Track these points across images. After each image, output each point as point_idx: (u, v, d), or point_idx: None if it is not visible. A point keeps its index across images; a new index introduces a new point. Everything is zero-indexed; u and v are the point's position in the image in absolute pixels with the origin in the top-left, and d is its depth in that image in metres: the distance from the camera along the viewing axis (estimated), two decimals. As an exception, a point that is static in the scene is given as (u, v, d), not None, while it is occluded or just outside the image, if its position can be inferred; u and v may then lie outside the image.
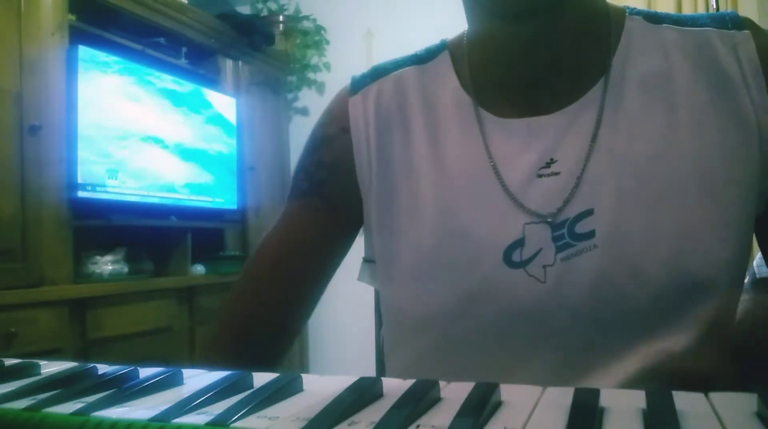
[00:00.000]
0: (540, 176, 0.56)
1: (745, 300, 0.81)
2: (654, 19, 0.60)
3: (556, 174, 0.56)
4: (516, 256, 0.56)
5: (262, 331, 0.67)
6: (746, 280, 0.83)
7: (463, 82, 0.63)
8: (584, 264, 0.54)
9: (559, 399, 0.28)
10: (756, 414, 0.26)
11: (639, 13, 0.60)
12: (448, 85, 0.63)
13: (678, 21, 0.59)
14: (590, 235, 0.54)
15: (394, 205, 0.62)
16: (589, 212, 0.54)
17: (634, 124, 0.56)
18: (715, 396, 0.28)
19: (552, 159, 0.56)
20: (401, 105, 0.64)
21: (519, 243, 0.56)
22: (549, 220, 0.55)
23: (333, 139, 0.67)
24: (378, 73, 0.68)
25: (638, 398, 0.28)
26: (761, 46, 0.55)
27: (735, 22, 0.57)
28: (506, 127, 0.59)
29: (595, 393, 0.28)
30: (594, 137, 0.56)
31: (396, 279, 0.62)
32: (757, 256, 0.79)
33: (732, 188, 0.54)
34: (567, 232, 0.55)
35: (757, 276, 0.82)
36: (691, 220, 0.53)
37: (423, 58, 0.66)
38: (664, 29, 0.58)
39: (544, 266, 0.55)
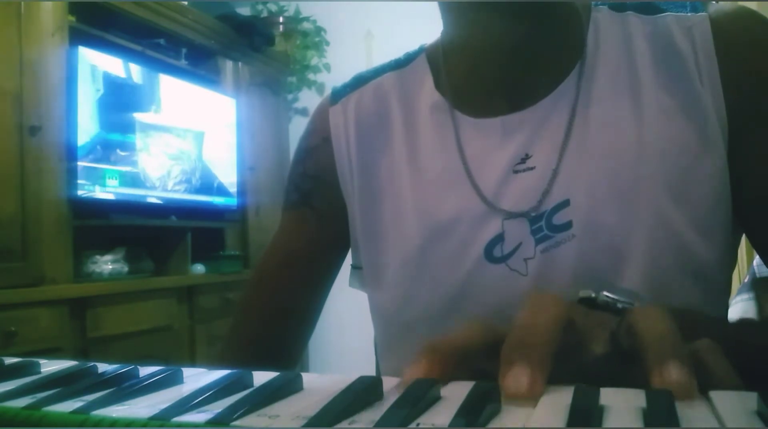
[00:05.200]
0: (516, 172, 0.57)
1: (744, 299, 0.81)
2: (618, 7, 0.60)
3: (532, 169, 0.56)
4: (497, 252, 0.56)
5: (268, 346, 0.69)
6: (746, 280, 0.83)
7: (439, 85, 0.63)
8: (563, 254, 0.54)
9: (559, 398, 0.28)
10: (756, 413, 0.26)
11: (604, 4, 0.61)
12: (425, 88, 0.64)
13: (640, 8, 0.59)
14: (567, 225, 0.54)
15: (377, 212, 0.63)
16: (565, 203, 0.55)
17: (604, 113, 0.56)
18: (715, 394, 0.28)
19: (527, 154, 0.57)
20: (381, 111, 0.65)
21: (499, 238, 0.56)
22: (527, 214, 0.56)
23: (315, 150, 0.68)
24: (358, 82, 0.68)
25: (638, 397, 0.28)
26: (717, 28, 0.55)
27: (693, 5, 0.57)
28: (481, 127, 0.59)
29: (595, 392, 0.28)
30: (567, 129, 0.56)
31: (383, 284, 0.62)
32: (757, 256, 0.79)
33: (700, 174, 0.54)
34: (545, 225, 0.55)
35: (757, 276, 0.82)
36: (664, 208, 0.53)
37: (402, 63, 0.67)
38: (628, 17, 0.59)
39: (525, 259, 0.55)
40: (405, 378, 0.31)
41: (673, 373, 0.29)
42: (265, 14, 3.68)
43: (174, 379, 0.33)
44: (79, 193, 2.28)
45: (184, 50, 2.96)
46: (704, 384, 0.30)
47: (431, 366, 0.33)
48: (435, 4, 0.61)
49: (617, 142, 0.55)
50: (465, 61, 0.61)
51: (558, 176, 0.55)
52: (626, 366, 0.34)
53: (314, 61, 3.65)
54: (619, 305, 0.40)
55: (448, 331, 0.36)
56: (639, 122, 0.55)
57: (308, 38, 3.64)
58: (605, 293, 0.40)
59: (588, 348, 0.36)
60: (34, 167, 2.12)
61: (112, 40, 2.54)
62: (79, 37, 2.36)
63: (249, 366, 0.33)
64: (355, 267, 0.68)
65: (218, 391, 0.29)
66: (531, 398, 0.29)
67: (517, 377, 0.29)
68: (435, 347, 0.34)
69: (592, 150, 0.55)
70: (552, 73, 0.58)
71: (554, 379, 0.31)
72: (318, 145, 0.68)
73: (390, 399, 0.28)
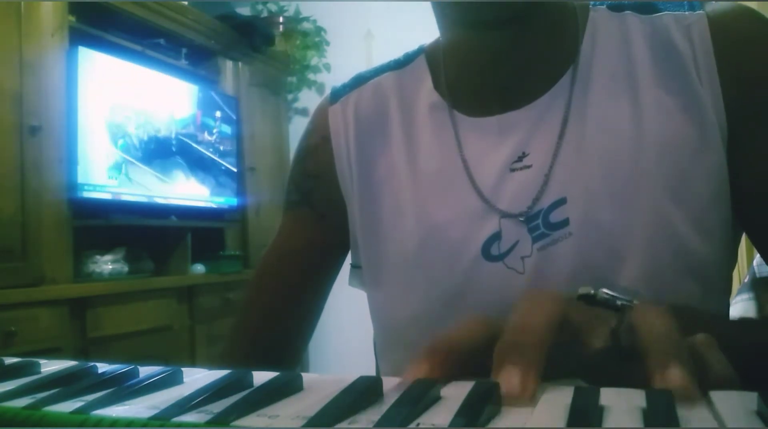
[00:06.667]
0: (513, 170, 0.57)
1: (744, 299, 0.81)
2: (617, 7, 0.60)
3: (528, 167, 0.56)
4: (494, 250, 0.56)
5: (270, 345, 0.69)
6: (746, 280, 0.83)
7: (437, 86, 0.63)
8: (560, 252, 0.54)
9: (559, 398, 0.28)
10: (756, 413, 0.26)
11: (602, 4, 0.61)
12: (423, 88, 0.64)
13: (639, 8, 0.59)
14: (564, 223, 0.54)
15: (376, 210, 0.63)
16: (562, 201, 0.55)
17: (601, 111, 0.56)
18: (715, 395, 0.28)
19: (524, 153, 0.57)
20: (380, 111, 0.65)
21: (496, 237, 0.56)
22: (523, 212, 0.56)
23: (315, 149, 0.68)
24: (357, 81, 0.69)
25: (638, 397, 0.28)
26: (715, 26, 0.55)
27: (691, 4, 0.57)
28: (478, 126, 0.60)
29: (595, 392, 0.28)
30: (563, 127, 0.56)
31: (382, 283, 0.62)
32: (757, 256, 0.79)
33: (699, 172, 0.54)
34: (542, 223, 0.55)
35: (757, 276, 0.82)
36: (663, 206, 0.53)
37: (401, 63, 0.67)
38: (627, 16, 0.59)
39: (522, 257, 0.55)
40: (405, 379, 0.31)
41: (675, 377, 0.29)
42: (265, 14, 3.67)
43: (174, 379, 0.33)
44: (79, 193, 2.28)
45: (184, 50, 2.96)
46: (700, 378, 0.30)
47: (432, 367, 0.33)
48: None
49: (614, 139, 0.55)
50: (460, 62, 0.61)
51: (554, 174, 0.55)
52: (625, 362, 0.34)
53: (314, 61, 3.65)
54: (618, 302, 0.40)
55: (447, 328, 0.36)
56: (637, 120, 0.55)
57: (308, 38, 3.64)
58: (604, 290, 0.40)
59: (587, 342, 0.36)
60: (34, 167, 2.12)
61: (112, 40, 2.54)
62: (79, 37, 2.36)
63: (251, 365, 0.33)
64: (355, 266, 0.68)
65: (218, 391, 0.29)
66: (523, 399, 0.29)
67: (508, 379, 0.30)
68: (435, 348, 0.34)
69: (589, 148, 0.55)
70: (548, 72, 0.58)
71: (553, 373, 0.31)
72: (318, 144, 0.68)
73: (390, 399, 0.28)
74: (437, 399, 0.29)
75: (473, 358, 0.35)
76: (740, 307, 0.81)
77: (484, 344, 0.35)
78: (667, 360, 0.30)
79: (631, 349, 0.33)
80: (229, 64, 3.22)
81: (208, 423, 0.25)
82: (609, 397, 0.28)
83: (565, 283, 0.53)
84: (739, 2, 0.59)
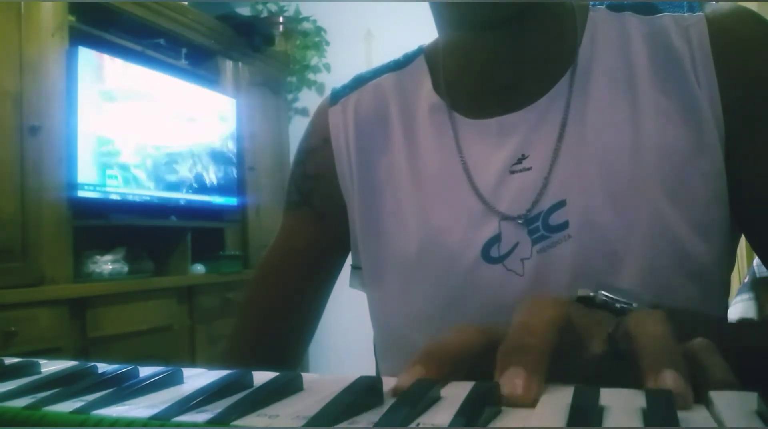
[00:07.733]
0: (512, 173, 0.57)
1: (744, 299, 0.81)
2: (616, 8, 0.60)
3: (528, 169, 0.56)
4: (494, 252, 0.56)
5: (271, 344, 0.69)
6: (746, 280, 0.83)
7: (437, 86, 0.63)
8: (560, 254, 0.54)
9: (559, 398, 0.28)
10: (756, 413, 0.26)
11: (602, 4, 0.61)
12: (423, 89, 0.64)
13: (638, 9, 0.59)
14: (564, 226, 0.54)
15: (376, 212, 0.63)
16: (561, 204, 0.55)
17: (600, 113, 0.56)
18: (715, 395, 0.28)
19: (523, 155, 0.57)
20: (380, 112, 0.65)
21: (496, 239, 0.56)
22: (523, 214, 0.56)
23: (316, 151, 0.68)
24: (357, 82, 0.69)
25: (638, 397, 0.28)
26: (714, 28, 0.55)
27: (691, 5, 0.57)
28: (478, 128, 0.60)
29: (595, 392, 0.28)
30: (563, 129, 0.56)
31: (382, 284, 0.62)
32: (757, 256, 0.78)
33: (697, 174, 0.54)
34: (541, 225, 0.55)
35: (757, 276, 0.82)
36: (661, 208, 0.53)
37: (401, 64, 0.67)
38: (626, 17, 0.59)
39: (522, 260, 0.55)
40: (400, 383, 0.31)
41: (668, 381, 0.29)
42: (265, 14, 3.68)
43: (174, 379, 0.33)
44: (79, 193, 2.27)
45: (184, 50, 2.96)
46: (700, 382, 0.30)
47: (426, 372, 0.32)
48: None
49: (613, 141, 0.55)
50: (458, 63, 0.61)
51: (554, 176, 0.55)
52: (624, 366, 0.34)
53: (314, 61, 3.65)
54: (618, 305, 0.40)
55: (443, 334, 0.35)
56: (635, 122, 0.55)
57: (308, 38, 3.64)
58: (603, 293, 0.40)
59: (586, 347, 0.36)
60: (34, 167, 2.12)
61: (112, 40, 2.54)
62: (79, 37, 2.36)
63: (252, 364, 0.33)
64: (355, 267, 0.68)
65: (218, 391, 0.29)
66: (527, 402, 0.29)
67: (513, 381, 0.29)
68: (430, 352, 0.34)
69: (588, 150, 0.55)
70: (547, 74, 0.58)
71: (552, 378, 0.31)
72: (318, 145, 0.68)
73: (390, 399, 0.28)
74: (437, 399, 0.29)
75: (468, 365, 0.34)
76: (740, 307, 0.81)
77: (480, 351, 0.34)
78: (660, 364, 0.30)
79: (628, 354, 0.33)
80: (229, 64, 3.23)
81: (208, 423, 0.25)
82: (609, 397, 0.28)
83: (564, 286, 0.53)
84: (738, 4, 0.59)
